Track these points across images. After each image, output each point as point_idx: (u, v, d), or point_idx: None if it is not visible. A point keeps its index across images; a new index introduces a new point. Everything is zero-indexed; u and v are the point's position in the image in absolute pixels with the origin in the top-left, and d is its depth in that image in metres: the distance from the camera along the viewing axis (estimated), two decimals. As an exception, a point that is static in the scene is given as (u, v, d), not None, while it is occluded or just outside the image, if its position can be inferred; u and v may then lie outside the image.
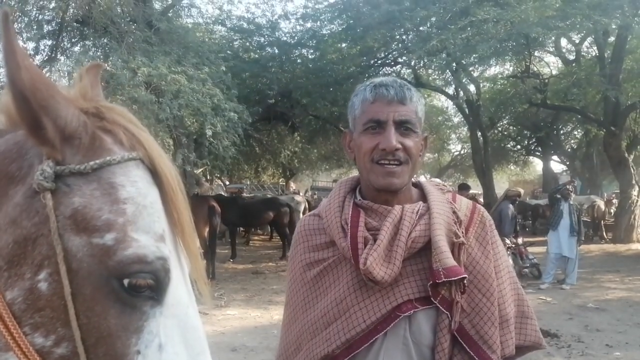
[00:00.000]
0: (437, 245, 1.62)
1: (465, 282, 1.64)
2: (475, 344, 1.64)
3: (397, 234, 1.67)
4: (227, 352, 6.73)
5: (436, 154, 43.19)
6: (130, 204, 1.05)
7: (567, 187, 12.91)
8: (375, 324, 1.66)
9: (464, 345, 1.65)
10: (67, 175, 1.04)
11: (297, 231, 1.95)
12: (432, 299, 1.63)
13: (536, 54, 23.04)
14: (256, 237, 24.09)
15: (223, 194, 21.88)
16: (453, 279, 1.59)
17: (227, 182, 30.86)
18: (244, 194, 23.29)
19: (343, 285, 1.72)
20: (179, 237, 1.14)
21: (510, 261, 12.16)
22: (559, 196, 12.59)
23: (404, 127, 1.69)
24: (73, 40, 16.62)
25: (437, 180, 2.03)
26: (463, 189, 13.93)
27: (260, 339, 7.72)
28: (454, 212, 1.75)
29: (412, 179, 1.88)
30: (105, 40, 13.53)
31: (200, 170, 18.98)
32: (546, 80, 21.62)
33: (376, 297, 1.67)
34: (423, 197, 1.81)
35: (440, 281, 1.59)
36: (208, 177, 26.27)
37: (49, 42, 15.40)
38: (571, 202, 12.58)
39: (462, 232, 1.71)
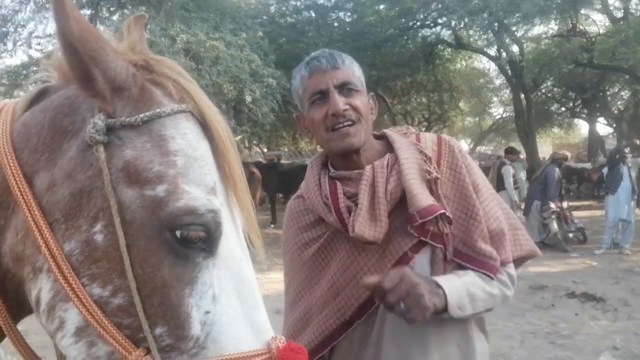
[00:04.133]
0: (409, 190, 1.70)
1: (448, 214, 1.71)
2: (474, 260, 1.74)
3: (375, 192, 1.74)
4: (271, 314, 6.59)
5: (477, 118, 42.40)
6: (181, 156, 1.05)
7: (625, 149, 12.49)
8: None
9: (466, 264, 1.74)
10: (118, 128, 1.04)
11: (285, 216, 2.07)
12: (422, 238, 1.72)
13: (583, 11, 22.13)
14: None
15: (261, 161, 22.02)
16: (428, 218, 1.66)
17: (265, 150, 31.03)
18: (282, 161, 23.39)
19: (343, 255, 1.81)
20: (231, 191, 1.13)
21: (555, 226, 11.97)
22: (618, 158, 12.17)
23: (346, 88, 1.77)
24: (111, 9, 16.80)
25: (399, 127, 2.05)
26: (510, 152, 13.58)
27: (303, 302, 7.82)
28: (421, 152, 1.81)
29: (376, 132, 1.96)
30: (143, 8, 13.59)
31: (239, 137, 19.12)
32: (593, 39, 20.83)
33: (376, 259, 1.76)
34: (389, 147, 1.87)
35: (416, 224, 1.67)
36: (246, 145, 26.45)
37: (88, 12, 15.60)
38: (629, 165, 12.15)
39: (435, 167, 1.78)
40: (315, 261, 1.89)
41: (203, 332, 1.01)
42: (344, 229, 1.76)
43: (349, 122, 1.75)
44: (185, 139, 1.07)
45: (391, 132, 1.93)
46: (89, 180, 1.03)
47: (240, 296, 1.07)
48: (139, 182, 1.02)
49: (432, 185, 1.76)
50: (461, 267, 1.75)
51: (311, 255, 1.89)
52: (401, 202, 1.74)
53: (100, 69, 1.02)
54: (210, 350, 1.01)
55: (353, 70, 1.81)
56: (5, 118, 1.14)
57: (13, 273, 1.10)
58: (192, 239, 1.02)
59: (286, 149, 34.25)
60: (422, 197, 1.69)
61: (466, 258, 1.75)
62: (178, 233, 1.01)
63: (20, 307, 1.15)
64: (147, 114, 1.05)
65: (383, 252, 1.75)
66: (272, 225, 16.39)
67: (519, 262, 1.92)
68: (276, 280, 9.38)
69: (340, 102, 1.73)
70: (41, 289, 1.05)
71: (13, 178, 1.06)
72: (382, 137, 1.94)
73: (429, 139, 1.89)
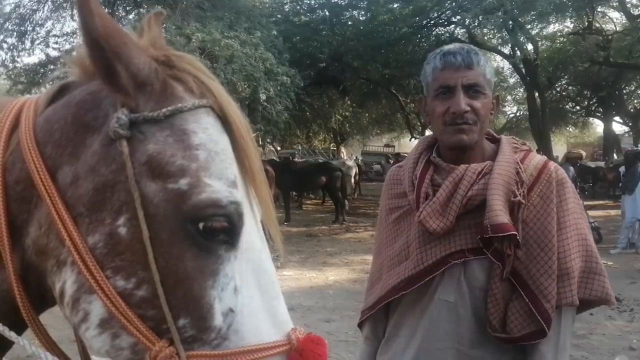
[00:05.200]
0: (489, 204, 1.78)
1: (519, 238, 1.77)
2: (531, 292, 1.79)
3: (455, 191, 1.84)
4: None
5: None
6: (203, 150, 1.06)
7: None
8: (432, 266, 1.89)
9: (521, 292, 1.80)
10: (141, 122, 1.06)
11: (385, 179, 2.25)
12: (484, 250, 1.81)
13: (599, 9, 21.92)
14: (308, 202, 24.29)
15: (275, 159, 22.08)
16: (500, 235, 1.74)
17: (279, 148, 31.09)
18: (296, 159, 23.42)
19: (412, 231, 1.97)
20: (251, 184, 1.15)
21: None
22: (632, 158, 12.04)
23: (472, 90, 1.85)
24: (128, 8, 16.92)
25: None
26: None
27: (317, 299, 7.85)
28: (518, 173, 1.86)
29: (496, 135, 2.08)
30: (159, 7, 13.66)
31: (253, 135, 19.19)
32: (609, 37, 20.65)
33: (434, 245, 1.89)
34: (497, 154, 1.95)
35: (487, 236, 1.76)
36: (260, 143, 26.52)
37: (105, 11, 15.70)
38: None
39: (523, 192, 1.84)
40: (394, 226, 2.08)
41: (225, 323, 1.03)
42: (416, 210, 1.91)
43: (466, 123, 1.84)
44: (206, 133, 1.09)
45: (505, 142, 1.99)
46: (112, 174, 1.04)
47: (261, 288, 1.09)
48: (162, 175, 1.03)
49: (514, 207, 1.82)
50: (515, 289, 1.82)
51: (393, 220, 2.09)
52: (478, 208, 1.83)
53: (124, 65, 1.03)
54: (232, 341, 1.03)
55: (485, 73, 1.88)
56: (27, 113, 1.16)
57: (36, 266, 1.12)
58: (215, 230, 1.03)
59: (300, 148, 34.28)
60: (499, 214, 1.76)
61: (523, 285, 1.80)
62: (201, 225, 1.02)
63: (41, 300, 1.17)
64: (170, 108, 1.07)
65: (443, 241, 1.88)
66: (285, 223, 16.42)
67: (587, 304, 1.93)
68: (290, 277, 9.42)
69: (463, 102, 1.82)
70: (65, 281, 1.06)
71: (37, 172, 1.07)
72: (497, 141, 2.02)
73: (534, 162, 1.93)
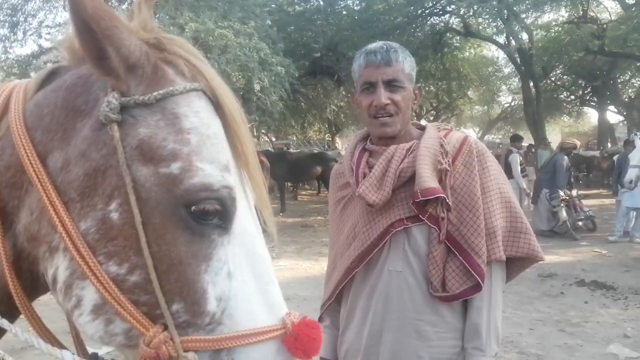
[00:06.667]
0: (418, 173, 1.97)
1: (448, 201, 1.97)
2: (464, 250, 1.98)
3: (389, 167, 2.04)
4: (280, 301, 6.77)
5: (485, 106, 42.17)
6: (194, 134, 1.05)
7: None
8: (377, 239, 2.06)
9: (455, 252, 1.98)
10: (132, 106, 1.04)
11: (330, 177, 2.43)
12: (420, 216, 1.99)
13: (594, -3, 21.93)
14: (304, 192, 24.28)
15: (270, 149, 22.05)
16: (429, 197, 1.92)
17: (274, 138, 31.02)
18: (291, 150, 23.39)
19: (356, 214, 2.15)
20: (244, 169, 1.14)
21: (564, 214, 11.87)
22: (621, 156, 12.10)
23: (392, 84, 2.04)
24: (120, -2, 16.79)
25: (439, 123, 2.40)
26: (516, 140, 13.62)
27: (312, 289, 7.85)
28: (442, 145, 2.07)
29: (422, 123, 2.31)
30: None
31: (248, 126, 19.14)
32: (604, 26, 20.61)
33: (377, 220, 2.07)
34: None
35: (418, 200, 1.94)
36: (255, 134, 26.44)
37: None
38: None
39: (448, 161, 2.04)
40: (341, 216, 2.25)
41: (219, 308, 1.02)
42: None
43: (388, 115, 2.05)
44: (198, 117, 1.08)
45: (429, 126, 2.21)
46: (103, 159, 1.03)
47: (255, 272, 1.08)
48: (154, 159, 1.02)
49: (442, 175, 2.01)
50: (450, 251, 2.00)
51: (340, 210, 2.27)
52: (410, 181, 2.01)
53: (114, 47, 1.01)
54: (227, 325, 1.02)
55: (403, 68, 2.06)
56: (17, 98, 1.15)
57: (28, 252, 1.11)
58: (208, 213, 1.02)
59: (295, 138, 34.21)
60: (427, 180, 1.94)
61: (457, 246, 1.98)
62: (193, 209, 1.01)
63: (33, 286, 1.16)
64: (161, 92, 1.05)
65: (384, 214, 2.06)
66: (281, 214, 16.42)
67: (519, 263, 2.14)
68: (286, 267, 9.43)
69: (383, 96, 2.02)
70: (58, 267, 1.05)
71: (27, 157, 1.06)
72: (424, 129, 2.21)
73: (455, 137, 2.14)
